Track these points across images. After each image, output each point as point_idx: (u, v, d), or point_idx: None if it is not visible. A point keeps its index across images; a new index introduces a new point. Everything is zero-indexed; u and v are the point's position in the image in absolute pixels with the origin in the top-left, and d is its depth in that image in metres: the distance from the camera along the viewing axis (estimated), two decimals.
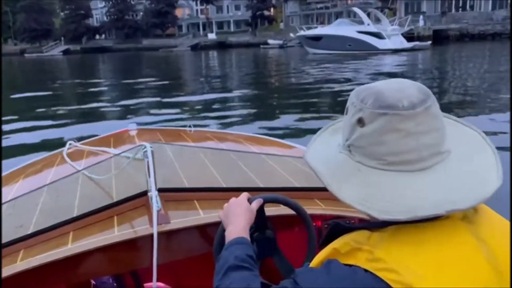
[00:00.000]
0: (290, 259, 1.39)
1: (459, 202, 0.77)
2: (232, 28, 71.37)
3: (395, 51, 32.29)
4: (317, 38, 36.33)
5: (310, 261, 1.12)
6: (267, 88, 17.17)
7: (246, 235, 1.15)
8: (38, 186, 2.02)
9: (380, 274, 0.74)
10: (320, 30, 38.24)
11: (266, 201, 1.33)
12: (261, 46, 55.72)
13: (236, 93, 15.64)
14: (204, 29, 71.63)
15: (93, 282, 2.13)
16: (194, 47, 60.64)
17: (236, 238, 1.12)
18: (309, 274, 0.82)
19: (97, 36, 75.87)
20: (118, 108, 12.74)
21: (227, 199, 1.31)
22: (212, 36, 65.61)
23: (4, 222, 1.64)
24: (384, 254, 0.76)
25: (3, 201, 1.89)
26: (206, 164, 2.13)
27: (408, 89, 0.83)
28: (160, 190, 1.61)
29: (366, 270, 0.76)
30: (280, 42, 55.19)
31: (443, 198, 0.78)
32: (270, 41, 56.57)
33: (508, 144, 6.01)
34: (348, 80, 17.25)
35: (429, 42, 36.65)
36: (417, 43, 35.57)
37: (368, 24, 34.94)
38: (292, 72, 23.07)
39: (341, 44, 34.31)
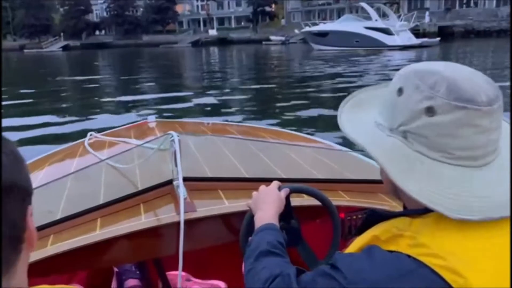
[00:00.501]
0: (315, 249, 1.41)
1: None
2: (233, 24, 70.39)
3: (404, 48, 31.31)
4: (323, 34, 35.32)
5: (335, 251, 1.20)
6: (272, 85, 16.34)
7: (276, 222, 1.15)
8: (62, 174, 2.02)
9: (423, 259, 0.72)
10: (326, 26, 37.25)
11: (293, 191, 1.33)
12: (263, 42, 54.87)
13: (240, 89, 14.98)
14: (204, 25, 70.68)
15: (115, 269, 2.11)
16: (195, 44, 59.73)
17: (266, 224, 1.11)
18: (350, 259, 0.79)
19: (97, 32, 74.87)
20: (121, 105, 12.24)
21: (251, 189, 1.35)
22: (213, 32, 64.74)
23: (33, 208, 1.56)
24: (428, 240, 0.74)
25: None
26: (227, 155, 2.14)
27: (478, 80, 0.78)
28: (185, 179, 1.59)
29: (409, 256, 0.73)
30: (283, 38, 54.31)
31: (507, 198, 0.76)
32: (272, 38, 55.66)
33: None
34: (356, 77, 16.43)
35: (438, 38, 35.65)
36: (426, 39, 34.68)
37: (376, 20, 33.92)
38: (297, 69, 22.28)
39: (348, 40, 33.31)
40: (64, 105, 12.24)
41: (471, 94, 0.75)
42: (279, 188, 1.29)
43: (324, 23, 41.42)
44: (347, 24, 34.77)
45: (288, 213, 1.30)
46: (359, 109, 0.93)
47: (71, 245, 1.39)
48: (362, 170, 2.03)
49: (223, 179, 1.77)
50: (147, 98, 13.30)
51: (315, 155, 2.35)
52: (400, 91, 0.82)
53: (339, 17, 56.23)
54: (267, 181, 1.33)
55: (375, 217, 0.85)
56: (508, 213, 0.75)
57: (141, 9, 70.99)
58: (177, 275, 1.51)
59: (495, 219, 0.74)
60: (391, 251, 0.76)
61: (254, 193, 1.28)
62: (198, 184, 1.70)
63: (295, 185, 1.38)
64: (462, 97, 0.75)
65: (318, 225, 1.69)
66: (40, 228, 1.46)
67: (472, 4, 53.33)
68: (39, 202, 1.80)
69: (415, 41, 33.21)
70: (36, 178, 2.13)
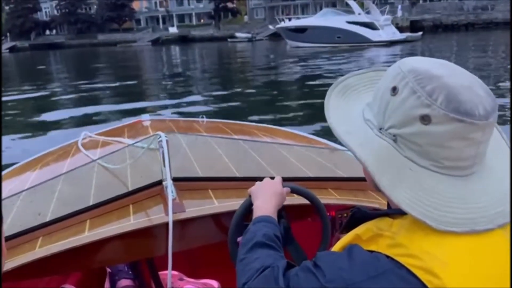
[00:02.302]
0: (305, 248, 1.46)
1: (507, 213, 0.75)
2: (194, 21, 66.66)
3: (390, 44, 28.70)
4: (300, 30, 32.19)
5: (324, 250, 1.21)
6: (248, 89, 13.94)
7: (275, 216, 1.13)
8: (54, 175, 1.98)
9: (400, 259, 0.71)
10: (304, 21, 34.14)
11: (293, 191, 1.33)
12: (229, 39, 51.89)
13: (212, 95, 12.93)
14: (164, 22, 66.48)
15: (108, 270, 2.07)
16: (155, 42, 56.07)
17: (264, 216, 1.10)
18: (330, 257, 0.78)
19: (47, 32, 69.05)
20: (82, 110, 10.94)
21: (241, 188, 1.41)
22: (173, 29, 60.77)
23: (23, 210, 1.69)
24: (406, 240, 0.73)
25: (21, 189, 1.91)
26: (219, 154, 2.12)
27: (477, 89, 0.74)
28: (175, 180, 1.58)
29: (387, 256, 0.72)
30: (249, 35, 51.39)
31: (494, 211, 0.74)
32: (238, 35, 52.61)
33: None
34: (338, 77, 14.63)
35: (420, 33, 33.39)
36: (410, 34, 32.29)
37: (359, 14, 31.10)
38: (273, 69, 19.78)
39: (329, 36, 30.46)
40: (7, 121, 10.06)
41: (469, 106, 0.71)
42: (283, 184, 1.27)
43: (290, 19, 38.20)
44: (328, 18, 31.82)
45: (278, 212, 1.27)
46: (346, 98, 0.87)
47: (60, 247, 1.36)
48: (353, 168, 1.87)
49: (213, 178, 1.72)
50: (108, 103, 12.09)
51: (307, 153, 2.34)
52: (394, 90, 0.76)
53: (303, 13, 53.75)
54: (258, 180, 1.38)
55: (359, 215, 0.83)
56: (493, 227, 0.72)
57: (95, 6, 65.66)
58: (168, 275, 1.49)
59: (480, 231, 0.72)
60: (371, 251, 0.74)
61: (258, 182, 1.24)
62: (188, 184, 1.66)
63: (296, 186, 1.34)
64: (459, 109, 0.71)
65: (310, 223, 1.66)
66: (29, 231, 1.47)
67: None
68: (30, 204, 1.76)
69: (399, 36, 30.83)
70: (28, 180, 2.11)
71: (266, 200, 1.16)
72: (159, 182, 1.61)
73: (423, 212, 0.72)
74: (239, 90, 13.53)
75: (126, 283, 1.99)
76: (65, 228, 1.49)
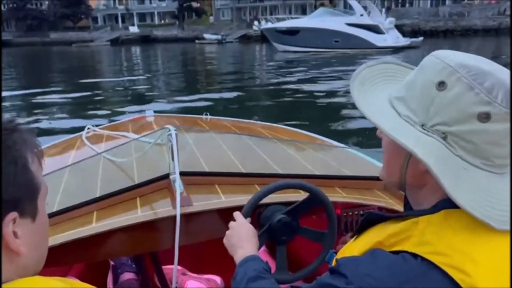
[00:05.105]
0: (307, 247, 1.37)
1: None
2: (156, 21, 60.29)
3: (396, 50, 24.03)
4: (292, 32, 26.93)
5: (330, 247, 1.20)
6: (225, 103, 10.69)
7: (257, 254, 1.11)
8: (59, 167, 1.92)
9: (429, 257, 0.66)
10: (296, 22, 29.05)
11: (252, 209, 1.28)
12: (196, 41, 46.50)
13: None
14: (123, 21, 59.92)
15: (112, 263, 2.04)
16: (115, 42, 49.75)
17: (248, 256, 1.06)
18: (354, 263, 0.71)
19: None
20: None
21: (247, 184, 1.43)
22: (134, 29, 54.47)
23: None
24: (434, 238, 0.68)
25: None
26: (224, 150, 2.10)
27: None
28: (182, 174, 1.56)
29: (415, 256, 0.67)
30: (218, 37, 46.08)
31: None
32: (207, 36, 47.16)
33: None
34: (341, 95, 10.90)
35: (421, 38, 29.00)
36: (413, 39, 27.81)
37: (362, 15, 26.36)
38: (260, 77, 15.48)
39: (325, 40, 25.67)
40: None
41: None
42: (243, 213, 1.23)
43: (263, 24, 32.96)
44: (324, 19, 27.06)
45: (264, 218, 1.27)
46: (368, 93, 0.79)
47: (66, 237, 1.34)
48: (358, 167, 1.93)
49: (220, 173, 1.70)
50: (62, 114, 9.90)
51: (312, 151, 2.31)
52: (441, 85, 0.70)
53: (272, 15, 48.72)
54: (264, 176, 1.33)
55: (372, 218, 0.79)
56: None
57: (46, 2, 57.51)
58: (173, 269, 1.47)
59: None
60: (396, 252, 0.69)
61: (228, 232, 1.18)
62: (195, 178, 1.64)
63: (247, 204, 1.28)
64: None
65: (315, 221, 1.63)
66: None
67: (407, 4, 49.34)
68: None
69: (403, 41, 26.67)
70: None
71: (246, 247, 1.09)
72: (166, 176, 1.58)
73: (484, 213, 0.67)
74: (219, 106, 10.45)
75: (129, 277, 1.95)
76: (72, 219, 1.46)
